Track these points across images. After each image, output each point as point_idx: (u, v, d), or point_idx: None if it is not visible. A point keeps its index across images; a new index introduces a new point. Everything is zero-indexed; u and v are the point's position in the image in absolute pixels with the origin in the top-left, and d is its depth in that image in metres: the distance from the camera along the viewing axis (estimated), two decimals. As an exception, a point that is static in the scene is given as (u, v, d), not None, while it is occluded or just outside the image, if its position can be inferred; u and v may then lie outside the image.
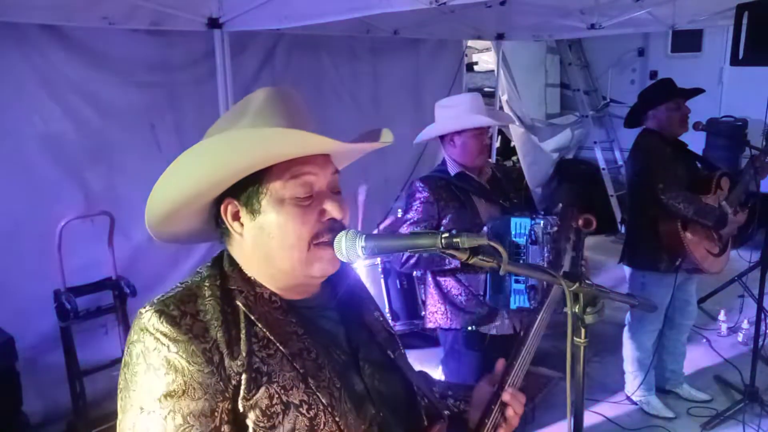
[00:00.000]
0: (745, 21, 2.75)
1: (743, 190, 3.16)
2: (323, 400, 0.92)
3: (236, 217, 0.97)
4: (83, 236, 3.04)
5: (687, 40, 6.57)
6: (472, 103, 2.51)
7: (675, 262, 3.06)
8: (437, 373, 3.05)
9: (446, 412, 1.21)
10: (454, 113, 2.48)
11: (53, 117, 3.08)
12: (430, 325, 2.63)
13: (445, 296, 2.52)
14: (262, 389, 0.89)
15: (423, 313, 3.12)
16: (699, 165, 3.29)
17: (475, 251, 1.01)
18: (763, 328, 3.36)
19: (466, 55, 6.30)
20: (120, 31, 3.17)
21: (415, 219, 2.44)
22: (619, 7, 4.25)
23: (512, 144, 6.63)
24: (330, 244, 0.97)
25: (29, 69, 2.96)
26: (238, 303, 0.94)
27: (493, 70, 6.22)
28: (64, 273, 2.86)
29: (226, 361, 0.88)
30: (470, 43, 6.27)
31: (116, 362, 3.10)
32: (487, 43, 6.19)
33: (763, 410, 3.19)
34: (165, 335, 0.87)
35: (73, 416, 3.00)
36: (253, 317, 0.93)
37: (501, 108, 6.06)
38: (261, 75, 4.10)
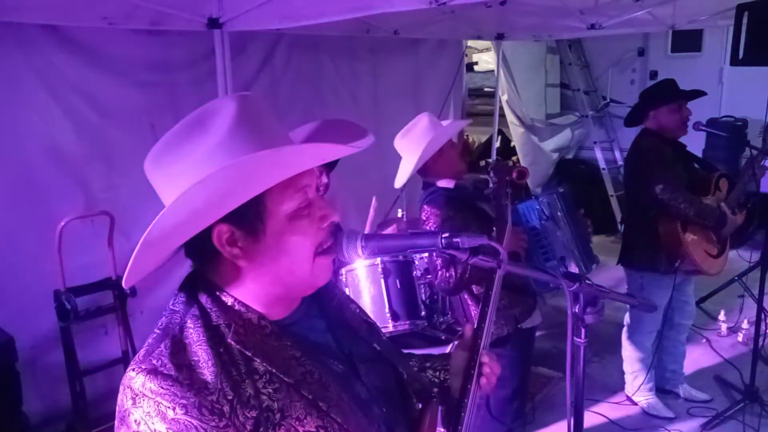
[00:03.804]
0: (745, 21, 2.75)
1: (742, 191, 3.16)
2: (338, 420, 0.90)
3: (231, 242, 0.89)
4: (83, 236, 3.04)
5: (687, 40, 6.57)
6: (431, 122, 2.51)
7: (674, 263, 3.06)
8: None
9: (435, 390, 1.23)
10: (423, 137, 2.45)
11: (53, 117, 3.08)
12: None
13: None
14: (278, 427, 0.85)
15: (423, 313, 3.12)
16: (697, 166, 3.29)
17: (475, 251, 1.01)
18: (763, 328, 3.37)
19: (466, 55, 6.30)
20: (120, 31, 3.17)
21: None
22: (619, 7, 4.24)
23: (512, 144, 6.63)
24: (331, 250, 0.96)
25: (29, 69, 2.96)
26: (230, 342, 0.87)
27: (493, 70, 6.21)
28: (64, 273, 2.86)
29: (237, 408, 0.83)
30: (470, 43, 6.27)
31: (116, 362, 3.10)
32: (487, 43, 6.19)
33: (763, 410, 3.19)
34: (165, 396, 0.80)
35: (73, 416, 2.99)
36: (249, 353, 0.87)
37: (500, 108, 6.07)
38: (261, 75, 4.10)
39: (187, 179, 0.83)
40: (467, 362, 1.18)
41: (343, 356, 1.02)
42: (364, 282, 3.04)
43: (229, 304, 0.91)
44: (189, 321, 0.88)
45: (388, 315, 2.97)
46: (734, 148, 5.83)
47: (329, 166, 3.23)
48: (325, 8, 2.81)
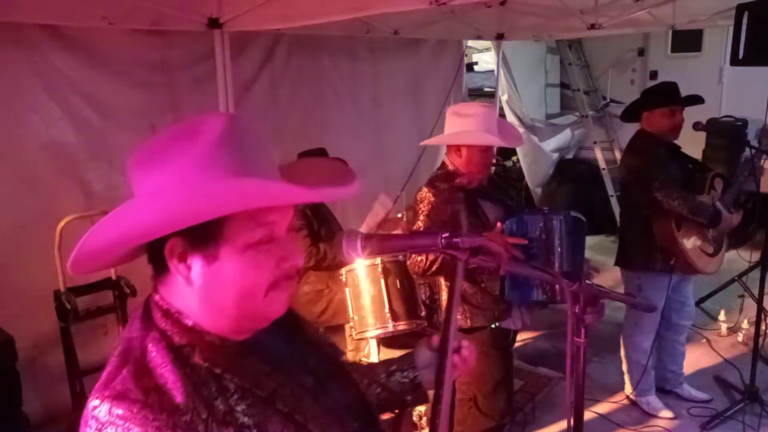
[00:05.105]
0: (745, 21, 2.75)
1: (737, 190, 3.15)
2: (315, 431, 0.89)
3: (183, 258, 0.86)
4: (83, 236, 3.04)
5: (687, 40, 6.57)
6: (485, 117, 2.47)
7: (669, 261, 3.06)
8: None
9: (408, 398, 1.21)
10: (466, 124, 2.46)
11: (53, 117, 3.08)
12: None
13: (461, 296, 2.52)
14: None
15: (423, 313, 3.13)
16: (691, 167, 3.28)
17: (475, 251, 1.02)
18: (763, 328, 3.36)
19: (466, 55, 6.31)
20: (120, 31, 3.17)
21: (427, 225, 2.42)
22: (619, 7, 4.25)
23: (512, 144, 6.62)
24: (287, 288, 0.92)
25: (29, 69, 2.96)
26: (197, 361, 0.84)
27: (493, 70, 6.21)
28: (64, 273, 2.86)
29: (213, 426, 0.80)
30: (470, 43, 6.27)
31: (116, 362, 3.10)
32: (487, 43, 6.19)
33: (763, 410, 3.19)
34: (135, 421, 0.76)
35: (73, 416, 2.99)
36: (218, 371, 0.85)
37: (501, 108, 6.07)
38: (261, 75, 4.11)
39: (161, 184, 0.84)
40: (439, 352, 1.15)
41: (311, 371, 1.00)
42: (364, 282, 3.04)
43: (189, 325, 0.88)
44: (150, 345, 0.85)
45: (388, 315, 2.97)
46: (734, 148, 5.83)
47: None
48: (325, 8, 2.81)
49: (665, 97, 3.09)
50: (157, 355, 0.83)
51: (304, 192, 0.87)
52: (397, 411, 1.14)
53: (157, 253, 0.88)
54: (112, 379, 0.82)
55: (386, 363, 1.27)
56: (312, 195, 0.89)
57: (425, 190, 2.49)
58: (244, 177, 0.84)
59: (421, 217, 2.44)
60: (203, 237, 0.85)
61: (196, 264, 0.86)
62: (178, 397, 0.80)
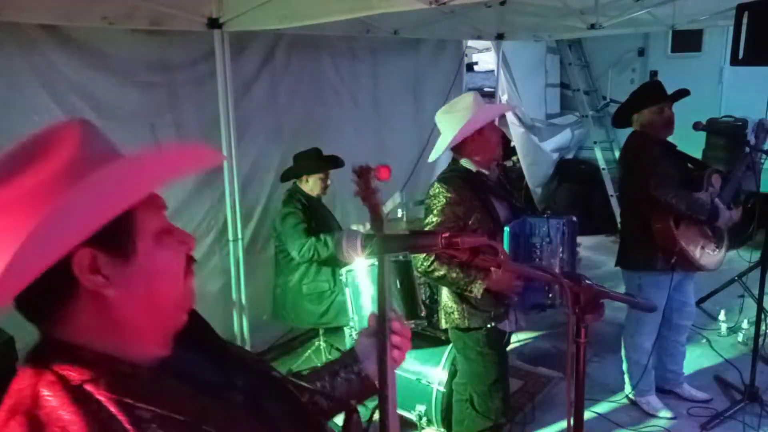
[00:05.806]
0: (745, 21, 2.75)
1: (735, 186, 3.16)
2: None
3: (94, 269, 0.76)
4: None
5: (687, 40, 6.57)
6: (475, 100, 2.51)
7: (670, 260, 3.06)
8: (442, 373, 3.04)
9: (353, 402, 1.19)
10: (465, 115, 2.46)
11: (53, 117, 3.07)
12: (445, 326, 2.63)
13: (460, 296, 2.52)
14: None
15: (423, 313, 3.12)
16: (690, 166, 3.28)
17: (475, 251, 1.02)
18: (763, 328, 3.36)
19: (466, 55, 6.31)
20: (120, 31, 3.17)
21: (440, 221, 2.42)
22: (619, 7, 4.25)
23: (512, 144, 6.63)
24: (192, 272, 0.89)
25: (29, 69, 2.96)
26: (103, 394, 0.74)
27: (493, 70, 6.22)
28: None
29: None
30: (470, 43, 6.28)
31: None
32: (487, 43, 6.19)
33: (763, 410, 3.19)
34: None
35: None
36: (129, 401, 0.75)
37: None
38: (261, 75, 4.11)
39: (23, 208, 0.73)
40: (379, 338, 1.12)
41: (239, 388, 0.95)
42: (364, 282, 3.04)
43: (90, 359, 0.78)
44: (43, 389, 0.74)
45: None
46: (734, 148, 5.84)
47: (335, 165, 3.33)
48: (325, 8, 2.81)
49: (650, 95, 3.11)
50: (53, 399, 0.73)
51: (208, 153, 0.88)
52: (345, 412, 1.11)
53: (48, 284, 0.75)
54: None
55: (329, 364, 1.24)
56: (211, 155, 0.90)
57: (437, 186, 2.47)
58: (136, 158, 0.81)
59: (435, 212, 2.44)
60: (114, 237, 0.77)
61: (114, 269, 0.78)
62: None
